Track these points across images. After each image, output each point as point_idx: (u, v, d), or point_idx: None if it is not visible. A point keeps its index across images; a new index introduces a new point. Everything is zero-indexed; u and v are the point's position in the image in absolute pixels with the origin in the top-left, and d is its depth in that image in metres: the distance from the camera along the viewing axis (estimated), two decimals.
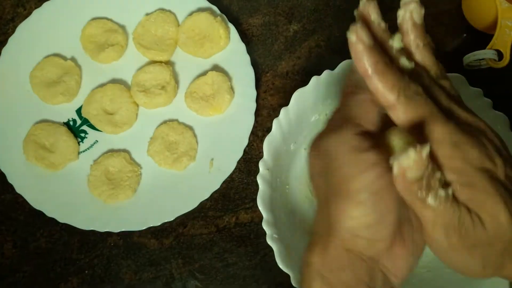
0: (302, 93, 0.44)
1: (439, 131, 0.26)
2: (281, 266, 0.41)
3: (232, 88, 0.52)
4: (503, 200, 0.26)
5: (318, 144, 0.28)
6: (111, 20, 0.55)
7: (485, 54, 0.49)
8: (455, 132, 0.26)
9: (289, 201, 0.48)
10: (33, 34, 0.54)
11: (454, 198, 0.26)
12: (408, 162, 0.24)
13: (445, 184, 0.26)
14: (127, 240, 0.50)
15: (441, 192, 0.25)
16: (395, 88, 0.26)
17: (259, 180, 0.42)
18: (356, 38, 0.28)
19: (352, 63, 0.29)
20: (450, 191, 0.25)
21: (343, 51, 0.54)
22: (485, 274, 0.28)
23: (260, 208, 0.42)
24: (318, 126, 0.48)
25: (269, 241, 0.41)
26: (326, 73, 0.44)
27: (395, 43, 0.30)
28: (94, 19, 0.54)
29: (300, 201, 0.48)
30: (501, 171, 0.27)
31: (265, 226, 0.41)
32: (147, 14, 0.55)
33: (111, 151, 0.52)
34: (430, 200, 0.25)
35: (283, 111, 0.43)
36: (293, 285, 0.41)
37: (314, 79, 0.44)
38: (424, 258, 0.46)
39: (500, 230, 0.26)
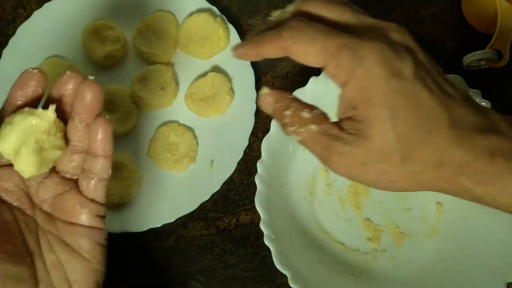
0: (300, 93, 0.44)
1: (331, 48, 0.29)
2: (278, 266, 0.41)
3: (232, 89, 0.52)
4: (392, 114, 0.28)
5: None
6: (111, 20, 0.55)
7: (485, 54, 0.49)
8: (350, 41, 0.29)
9: (288, 201, 0.48)
10: (33, 35, 0.54)
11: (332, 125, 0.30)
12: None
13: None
14: (127, 242, 0.51)
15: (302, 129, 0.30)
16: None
17: (257, 180, 0.42)
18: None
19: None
20: (313, 127, 0.29)
21: None
22: (401, 187, 0.30)
23: (258, 208, 0.42)
24: None
25: (266, 242, 0.41)
26: (324, 73, 0.44)
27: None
28: (94, 20, 0.54)
29: (298, 202, 0.48)
30: (409, 69, 0.28)
31: (262, 226, 0.41)
32: (147, 15, 0.55)
33: None
34: (297, 133, 0.30)
35: None
36: (291, 286, 0.41)
37: (312, 80, 0.44)
38: (422, 259, 0.47)
39: (387, 145, 0.28)
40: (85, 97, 0.31)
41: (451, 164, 0.28)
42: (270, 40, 0.30)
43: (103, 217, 0.35)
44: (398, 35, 0.30)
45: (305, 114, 0.30)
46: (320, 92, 0.45)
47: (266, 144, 0.43)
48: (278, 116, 0.31)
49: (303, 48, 0.29)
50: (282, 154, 0.46)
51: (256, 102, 0.30)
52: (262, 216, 0.41)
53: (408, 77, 0.28)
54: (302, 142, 0.30)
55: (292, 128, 0.30)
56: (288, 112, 0.30)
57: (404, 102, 0.27)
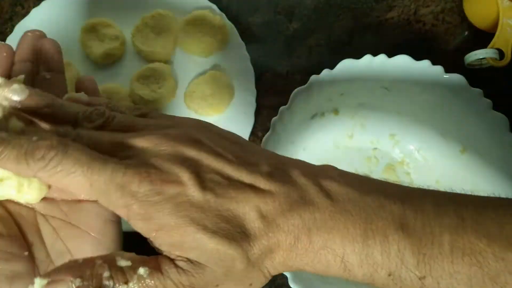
0: (300, 92, 0.43)
1: (99, 184, 0.25)
2: None
3: (232, 88, 0.52)
4: (196, 223, 0.24)
5: None
6: (110, 18, 0.54)
7: (486, 53, 0.49)
8: (116, 175, 0.25)
9: None
10: None
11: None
12: None
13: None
14: (127, 242, 0.50)
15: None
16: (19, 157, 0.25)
17: None
18: None
19: None
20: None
21: (343, 51, 0.55)
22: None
23: None
24: (317, 126, 0.48)
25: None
26: (325, 72, 0.44)
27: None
28: (92, 17, 0.54)
29: None
30: (192, 187, 0.25)
31: None
32: (146, 13, 0.54)
33: None
34: None
35: (281, 111, 0.43)
36: (291, 286, 0.41)
37: (313, 78, 0.44)
38: None
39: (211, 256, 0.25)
40: (44, 46, 0.31)
41: (279, 250, 0.26)
42: None
43: None
44: (163, 147, 0.26)
45: (142, 272, 0.26)
46: (321, 91, 0.45)
47: (265, 144, 0.42)
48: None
49: (63, 181, 0.25)
50: (282, 153, 0.45)
51: None
52: None
53: (194, 195, 0.25)
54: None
55: None
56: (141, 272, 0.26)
57: (201, 214, 0.25)
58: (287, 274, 0.40)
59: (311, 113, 0.46)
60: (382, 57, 0.44)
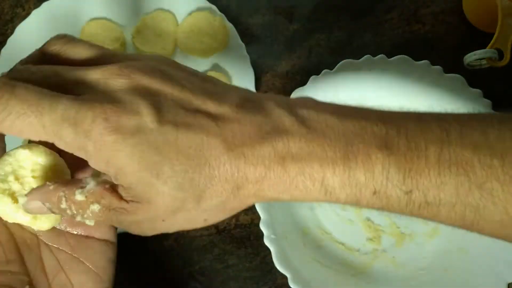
0: (300, 93, 0.43)
1: (50, 124, 0.24)
2: (278, 267, 0.41)
3: None
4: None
5: None
6: (110, 20, 0.55)
7: (486, 54, 0.49)
8: (67, 112, 0.23)
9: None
10: (32, 34, 0.53)
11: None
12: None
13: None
14: (127, 242, 0.50)
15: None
16: None
17: None
18: None
19: None
20: (95, 208, 0.26)
21: (343, 51, 0.55)
22: (216, 219, 0.27)
23: (257, 208, 0.42)
24: None
25: (266, 242, 0.41)
26: (324, 72, 0.44)
27: None
28: (93, 19, 0.54)
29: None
30: (148, 119, 0.24)
31: (262, 226, 0.41)
32: (146, 14, 0.54)
33: None
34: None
35: None
36: (291, 286, 0.41)
37: (312, 79, 0.44)
38: (423, 260, 0.46)
39: (171, 199, 0.25)
40: None
41: (248, 183, 0.25)
42: None
43: (116, 229, 0.32)
44: (122, 79, 0.25)
45: (79, 196, 0.26)
46: (321, 91, 0.45)
47: None
48: (59, 213, 0.27)
49: (15, 125, 0.24)
50: None
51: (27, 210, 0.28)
52: (262, 216, 0.41)
53: (152, 127, 0.24)
54: (100, 224, 0.29)
55: (79, 218, 0.26)
56: (63, 205, 0.26)
57: (158, 156, 0.24)
58: (287, 274, 0.40)
59: None
60: (381, 58, 0.44)
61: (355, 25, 0.56)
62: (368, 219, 0.48)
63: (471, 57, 0.50)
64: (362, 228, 0.48)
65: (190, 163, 0.24)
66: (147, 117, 0.24)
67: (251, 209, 0.51)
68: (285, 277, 0.41)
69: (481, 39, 0.53)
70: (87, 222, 0.26)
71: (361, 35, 0.55)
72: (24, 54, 0.52)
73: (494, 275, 0.41)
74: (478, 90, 0.44)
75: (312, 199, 0.26)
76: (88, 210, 0.26)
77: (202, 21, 0.53)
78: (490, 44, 0.50)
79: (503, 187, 0.24)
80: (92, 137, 0.23)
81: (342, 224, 0.48)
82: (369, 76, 0.45)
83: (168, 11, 0.55)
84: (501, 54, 0.50)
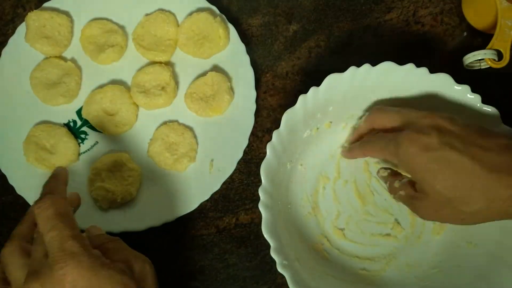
0: (291, 112, 0.43)
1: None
2: None
3: (232, 89, 0.52)
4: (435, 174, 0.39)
5: None
6: (110, 20, 0.55)
7: (485, 54, 0.49)
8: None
9: (293, 219, 0.48)
10: None
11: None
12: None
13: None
14: (127, 241, 0.50)
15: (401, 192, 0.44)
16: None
17: (261, 208, 0.41)
18: None
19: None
20: (402, 193, 0.44)
21: (342, 51, 0.55)
22: (470, 222, 0.40)
23: (266, 236, 0.41)
24: (311, 141, 0.48)
25: (279, 269, 0.40)
26: (312, 90, 0.44)
27: None
28: (93, 19, 0.54)
29: (303, 218, 0.49)
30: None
31: (273, 254, 0.40)
32: (146, 15, 0.55)
33: (112, 151, 0.52)
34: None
35: (275, 134, 0.43)
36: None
37: (301, 98, 0.43)
38: (434, 258, 0.47)
39: (440, 197, 0.39)
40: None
41: (499, 200, 0.37)
42: (359, 150, 0.47)
43: None
44: (426, 120, 0.40)
45: (396, 184, 0.44)
46: (310, 108, 0.44)
47: (264, 168, 0.42)
48: (391, 188, 0.46)
49: (373, 153, 0.45)
50: (281, 174, 0.46)
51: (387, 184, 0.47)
52: (271, 244, 0.40)
53: (436, 147, 0.38)
54: (398, 199, 0.45)
55: (392, 195, 0.46)
56: (395, 184, 0.45)
57: (436, 165, 0.38)
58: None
59: (303, 130, 0.46)
60: (366, 67, 0.44)
61: (354, 26, 0.56)
62: (375, 230, 0.49)
63: (470, 58, 0.50)
64: (372, 236, 0.49)
65: (456, 176, 0.38)
66: (434, 140, 0.38)
67: (251, 209, 0.51)
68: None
69: (480, 40, 0.53)
70: (396, 200, 0.45)
71: (360, 35, 0.55)
72: (25, 55, 0.53)
73: (507, 267, 0.42)
74: (465, 86, 0.44)
75: None
76: (398, 193, 0.44)
77: (202, 22, 0.53)
78: (489, 45, 0.50)
79: None
80: (402, 147, 0.40)
81: (351, 235, 0.49)
82: (356, 87, 0.45)
83: (169, 11, 0.55)
84: (500, 55, 0.50)
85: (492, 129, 0.42)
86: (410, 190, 0.42)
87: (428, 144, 0.38)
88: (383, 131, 0.44)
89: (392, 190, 0.45)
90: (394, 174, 0.47)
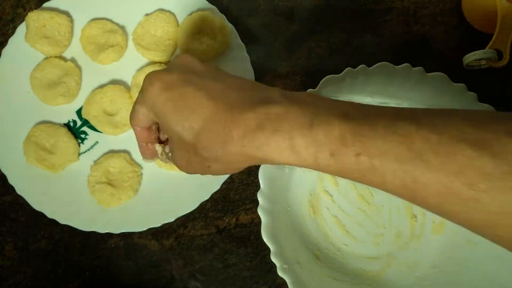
0: None
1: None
2: None
3: None
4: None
5: None
6: (110, 20, 0.55)
7: (485, 54, 0.49)
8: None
9: (293, 223, 0.48)
10: None
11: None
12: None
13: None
14: (127, 242, 0.51)
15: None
16: None
17: (260, 212, 0.41)
18: None
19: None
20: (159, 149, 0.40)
21: (342, 51, 0.55)
22: (216, 171, 0.34)
23: (265, 241, 0.41)
24: None
25: (280, 273, 0.40)
26: (309, 92, 0.44)
27: None
28: (93, 19, 0.54)
29: (302, 220, 0.49)
30: None
31: (273, 258, 0.40)
32: (146, 15, 0.55)
33: (112, 152, 0.52)
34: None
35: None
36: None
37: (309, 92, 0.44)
38: (435, 257, 0.47)
39: (180, 141, 0.33)
40: None
41: (231, 140, 0.31)
42: (137, 136, 0.40)
43: None
44: (175, 59, 0.36)
45: (157, 146, 0.40)
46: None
47: (263, 173, 0.42)
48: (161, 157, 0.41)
49: (137, 121, 0.37)
50: (280, 178, 0.46)
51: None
52: (271, 248, 0.41)
53: (175, 84, 0.33)
54: (165, 162, 0.41)
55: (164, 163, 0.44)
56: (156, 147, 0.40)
57: (174, 104, 0.33)
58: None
59: None
60: (361, 68, 0.44)
61: (354, 26, 0.56)
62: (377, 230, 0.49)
63: (470, 58, 0.50)
64: (372, 236, 0.49)
65: (193, 116, 0.32)
66: (174, 76, 0.34)
67: (251, 209, 0.51)
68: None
69: (480, 39, 0.53)
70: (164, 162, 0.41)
71: (360, 36, 0.55)
72: (25, 55, 0.53)
73: (507, 266, 0.42)
74: (462, 85, 0.44)
75: (283, 159, 0.31)
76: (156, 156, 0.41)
77: (203, 22, 0.53)
78: (489, 45, 0.50)
79: (438, 158, 0.27)
80: (146, 91, 0.34)
81: (351, 236, 0.49)
82: (353, 88, 0.45)
83: (169, 12, 0.55)
84: (500, 55, 0.50)
85: None
86: (164, 147, 0.39)
87: (169, 82, 0.33)
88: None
89: (162, 159, 0.40)
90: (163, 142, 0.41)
